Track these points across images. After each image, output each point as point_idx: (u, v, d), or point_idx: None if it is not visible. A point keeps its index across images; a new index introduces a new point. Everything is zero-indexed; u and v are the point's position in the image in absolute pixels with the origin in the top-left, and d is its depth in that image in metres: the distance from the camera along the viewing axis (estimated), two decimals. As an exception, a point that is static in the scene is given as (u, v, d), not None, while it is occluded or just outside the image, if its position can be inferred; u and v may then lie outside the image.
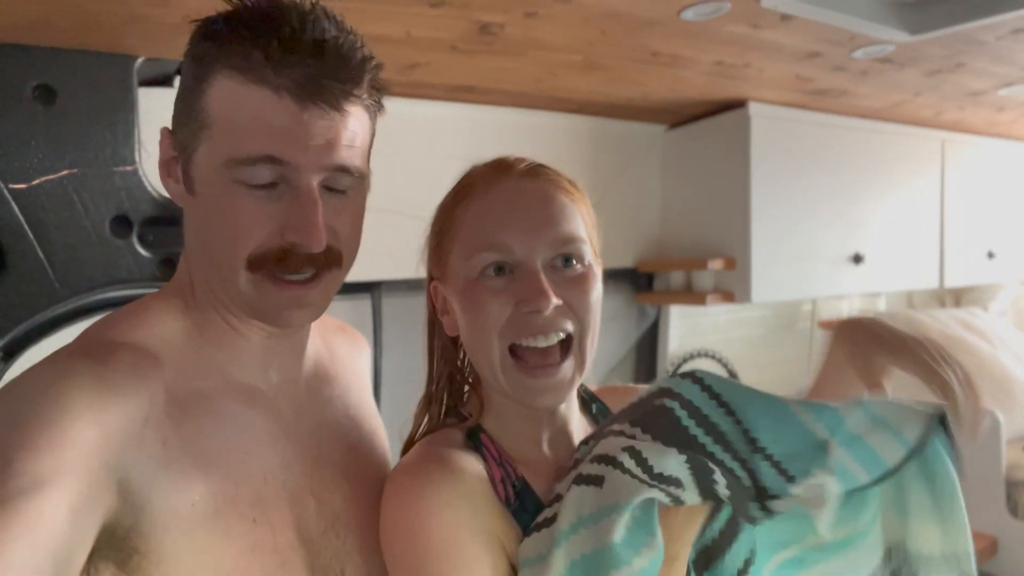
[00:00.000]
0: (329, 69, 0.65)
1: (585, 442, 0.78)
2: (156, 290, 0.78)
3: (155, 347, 0.69)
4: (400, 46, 1.25)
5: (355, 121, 0.69)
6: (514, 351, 0.73)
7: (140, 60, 1.19)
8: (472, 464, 0.73)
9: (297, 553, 0.72)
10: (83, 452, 0.59)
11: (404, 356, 1.72)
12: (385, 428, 0.93)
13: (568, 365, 0.74)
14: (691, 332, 2.31)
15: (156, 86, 1.26)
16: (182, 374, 0.69)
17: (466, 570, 0.67)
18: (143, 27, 1.06)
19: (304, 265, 0.68)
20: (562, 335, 0.73)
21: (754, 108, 1.85)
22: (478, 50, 1.31)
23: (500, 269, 0.74)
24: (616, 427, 0.74)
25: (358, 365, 0.94)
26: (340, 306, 1.61)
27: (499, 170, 0.78)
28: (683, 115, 1.97)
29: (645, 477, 0.67)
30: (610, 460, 0.69)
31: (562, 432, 0.81)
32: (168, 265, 1.24)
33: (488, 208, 0.75)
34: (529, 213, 0.74)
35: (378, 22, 1.13)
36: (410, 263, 1.57)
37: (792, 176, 1.96)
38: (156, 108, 1.25)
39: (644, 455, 0.68)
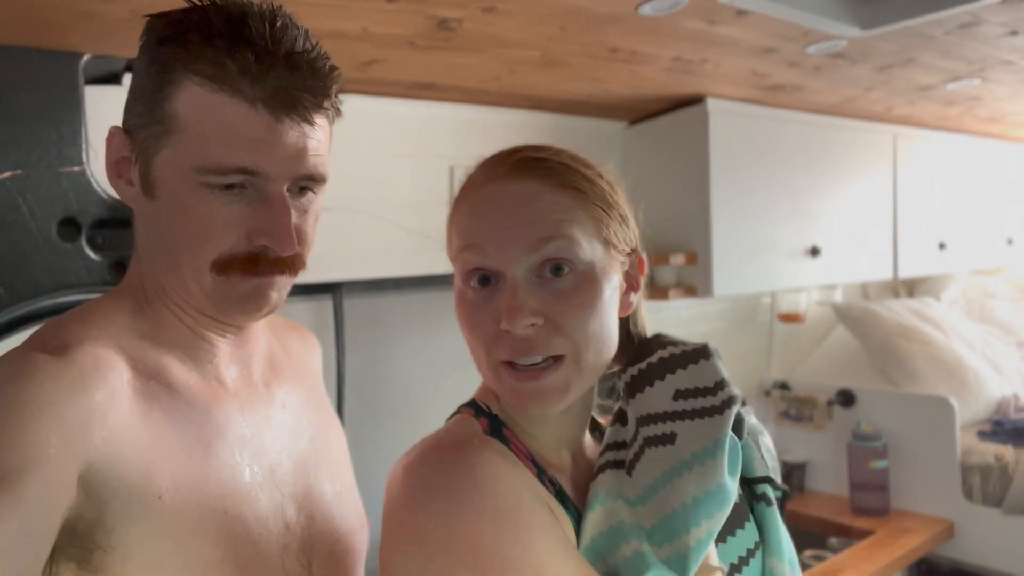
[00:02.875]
0: (301, 81, 0.67)
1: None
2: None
3: (111, 345, 0.68)
4: (357, 43, 1.23)
5: (321, 131, 0.71)
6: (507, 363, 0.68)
7: (86, 57, 1.15)
8: (507, 451, 0.67)
9: (268, 543, 0.72)
10: (45, 446, 0.58)
11: (367, 357, 1.70)
12: (349, 428, 0.93)
13: (558, 375, 0.67)
14: (655, 327, 2.32)
15: (104, 84, 1.23)
16: (142, 370, 0.69)
17: (543, 533, 0.61)
18: (89, 23, 1.03)
19: (271, 269, 0.70)
20: (549, 357, 0.67)
21: (712, 104, 1.87)
22: (436, 46, 1.29)
23: (485, 280, 0.68)
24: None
25: (311, 362, 0.95)
26: (301, 307, 1.60)
27: (491, 166, 0.72)
28: (643, 111, 1.98)
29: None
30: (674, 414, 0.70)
31: (578, 442, 0.77)
32: (119, 268, 1.21)
33: (472, 209, 0.70)
34: (505, 215, 0.67)
35: (334, 18, 1.11)
36: (372, 263, 1.57)
37: (750, 171, 1.99)
38: (104, 107, 1.21)
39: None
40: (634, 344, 0.80)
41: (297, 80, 0.67)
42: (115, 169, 0.72)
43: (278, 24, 0.66)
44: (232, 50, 0.64)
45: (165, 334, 0.73)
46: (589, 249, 0.68)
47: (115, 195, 1.18)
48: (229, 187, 0.67)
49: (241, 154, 0.66)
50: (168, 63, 0.66)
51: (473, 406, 0.73)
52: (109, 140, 0.72)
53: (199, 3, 0.68)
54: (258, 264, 0.69)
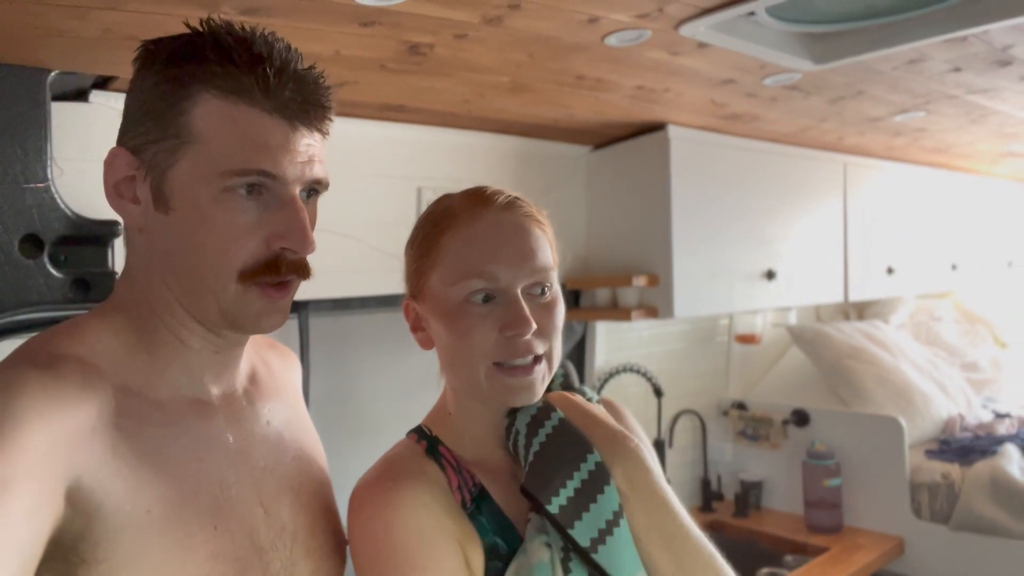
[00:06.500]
0: (310, 95, 0.73)
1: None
2: (84, 311, 0.78)
3: (99, 361, 0.69)
4: (329, 64, 1.24)
5: (323, 140, 0.76)
6: (497, 364, 0.82)
7: (54, 73, 1.14)
8: (430, 472, 0.82)
9: (253, 560, 0.73)
10: (33, 459, 0.58)
11: (332, 376, 1.70)
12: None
13: (540, 368, 0.83)
14: (617, 347, 2.37)
15: (70, 100, 1.22)
16: (129, 386, 0.69)
17: (429, 570, 0.74)
18: (59, 40, 1.02)
19: (291, 271, 0.73)
20: (538, 355, 0.82)
21: (673, 131, 1.93)
22: (407, 70, 1.32)
23: (486, 298, 0.81)
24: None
25: (292, 379, 0.96)
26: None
27: (480, 202, 0.85)
28: (606, 136, 2.03)
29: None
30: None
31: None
32: (81, 286, 1.19)
33: (473, 239, 0.82)
34: (512, 245, 0.83)
35: (307, 40, 1.12)
36: (338, 282, 1.57)
37: (709, 197, 2.05)
38: (70, 123, 1.20)
39: None
40: None
41: (307, 93, 0.72)
42: (117, 189, 0.72)
43: (281, 45, 0.72)
44: (249, 65, 0.69)
45: (156, 351, 0.73)
46: (555, 277, 0.86)
47: (78, 211, 1.18)
48: (249, 191, 0.70)
49: (262, 157, 0.69)
50: (183, 79, 0.69)
51: (417, 431, 0.88)
52: (111, 161, 0.72)
53: (199, 28, 0.71)
54: (279, 268, 0.72)
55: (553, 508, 0.78)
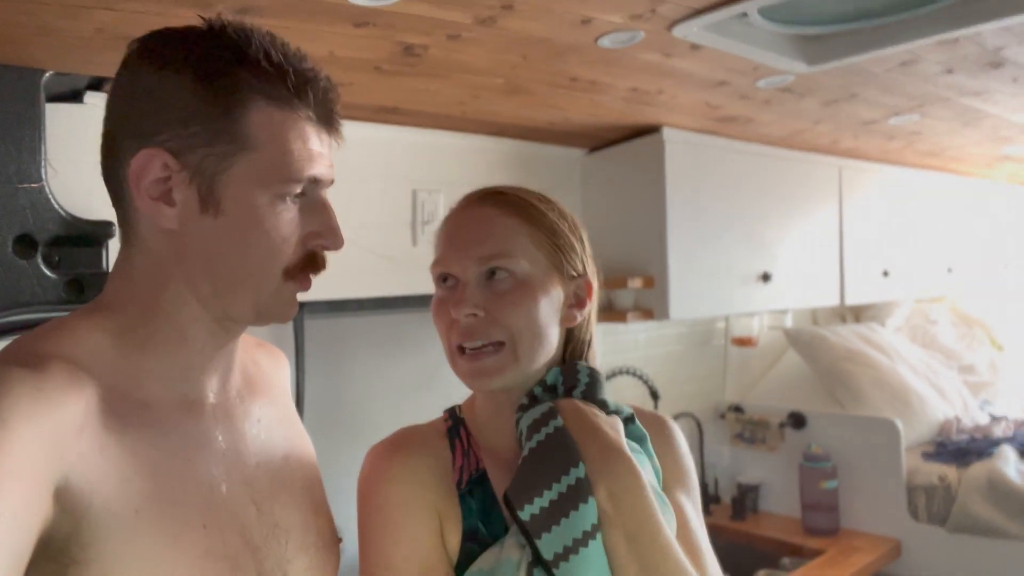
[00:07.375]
0: (333, 101, 0.77)
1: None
2: (70, 311, 0.76)
3: (86, 361, 0.68)
4: (323, 66, 1.23)
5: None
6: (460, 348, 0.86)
7: (48, 74, 1.14)
8: (437, 449, 0.87)
9: (246, 559, 0.73)
10: (21, 459, 0.58)
11: (327, 378, 1.70)
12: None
13: (495, 358, 0.84)
14: (613, 350, 2.37)
15: (64, 101, 1.22)
16: (117, 386, 0.69)
17: (393, 534, 0.81)
18: (52, 40, 1.03)
19: (323, 267, 0.79)
20: (491, 341, 0.84)
21: (668, 133, 1.93)
22: (402, 71, 1.32)
23: (445, 279, 0.88)
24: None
25: (281, 378, 0.96)
26: (262, 328, 1.59)
27: (465, 198, 0.92)
28: (601, 139, 2.04)
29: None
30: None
31: None
32: (75, 286, 1.19)
33: (445, 231, 0.90)
34: (464, 234, 0.87)
35: (301, 41, 1.11)
36: (334, 284, 1.57)
37: (704, 199, 2.05)
38: (64, 124, 1.20)
39: None
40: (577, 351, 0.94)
41: (333, 100, 0.77)
42: (149, 191, 0.70)
43: (301, 52, 0.75)
44: (295, 74, 0.72)
45: (149, 350, 0.73)
46: (528, 264, 0.85)
47: (73, 212, 1.18)
48: (295, 199, 0.74)
49: (312, 164, 0.74)
50: (235, 86, 0.70)
51: (450, 409, 0.94)
52: (147, 163, 0.69)
53: (225, 28, 0.72)
54: (317, 264, 0.77)
55: (524, 515, 0.76)
